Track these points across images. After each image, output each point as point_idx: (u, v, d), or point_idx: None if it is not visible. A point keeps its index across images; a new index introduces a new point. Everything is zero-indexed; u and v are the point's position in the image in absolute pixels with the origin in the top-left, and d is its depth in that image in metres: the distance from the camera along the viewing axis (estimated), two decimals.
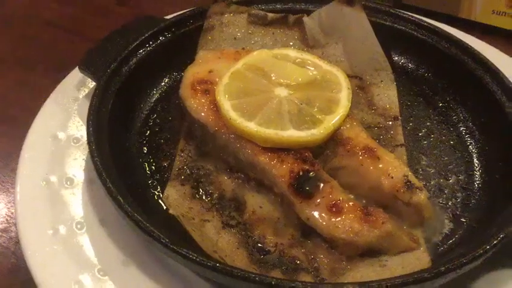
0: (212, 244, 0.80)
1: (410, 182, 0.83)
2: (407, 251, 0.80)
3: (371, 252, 0.80)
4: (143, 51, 1.03)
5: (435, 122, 1.03)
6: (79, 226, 0.84)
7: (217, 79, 0.95)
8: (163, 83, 1.07)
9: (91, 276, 0.77)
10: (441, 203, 0.89)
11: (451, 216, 0.87)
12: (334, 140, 0.89)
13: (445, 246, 0.83)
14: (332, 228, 0.78)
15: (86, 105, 0.92)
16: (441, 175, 0.93)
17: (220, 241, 0.81)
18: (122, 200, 0.77)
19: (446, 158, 0.96)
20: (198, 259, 0.70)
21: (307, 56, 0.99)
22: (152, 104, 1.04)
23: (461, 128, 1.01)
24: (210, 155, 0.93)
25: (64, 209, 0.86)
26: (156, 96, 1.05)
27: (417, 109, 1.06)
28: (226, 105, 0.88)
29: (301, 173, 0.83)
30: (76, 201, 0.87)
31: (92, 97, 0.92)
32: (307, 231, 0.82)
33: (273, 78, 0.94)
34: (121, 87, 0.97)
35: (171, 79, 1.08)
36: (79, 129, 0.98)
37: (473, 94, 1.02)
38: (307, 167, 0.84)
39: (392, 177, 0.83)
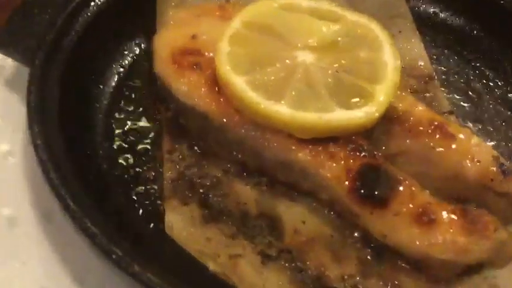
0: None
1: (504, 165, 0.61)
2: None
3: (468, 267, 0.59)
4: (89, 11, 0.71)
5: (476, 78, 0.82)
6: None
7: (208, 46, 0.67)
8: (127, 52, 0.75)
9: None
10: None
11: None
12: (385, 117, 0.65)
13: None
14: (427, 247, 0.55)
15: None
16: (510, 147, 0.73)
17: (267, 285, 0.55)
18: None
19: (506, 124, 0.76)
20: None
21: (323, 5, 0.72)
22: (114, 87, 0.72)
23: None
24: (213, 155, 0.66)
25: None
26: (117, 75, 0.73)
27: (448, 64, 0.83)
28: (239, 83, 0.61)
29: (364, 171, 0.58)
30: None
31: (28, 89, 0.61)
32: (379, 250, 0.59)
33: (289, 38, 0.67)
34: (66, 67, 0.66)
35: (137, 48, 0.76)
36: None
37: None
38: (369, 162, 0.59)
39: (479, 162, 0.62)
